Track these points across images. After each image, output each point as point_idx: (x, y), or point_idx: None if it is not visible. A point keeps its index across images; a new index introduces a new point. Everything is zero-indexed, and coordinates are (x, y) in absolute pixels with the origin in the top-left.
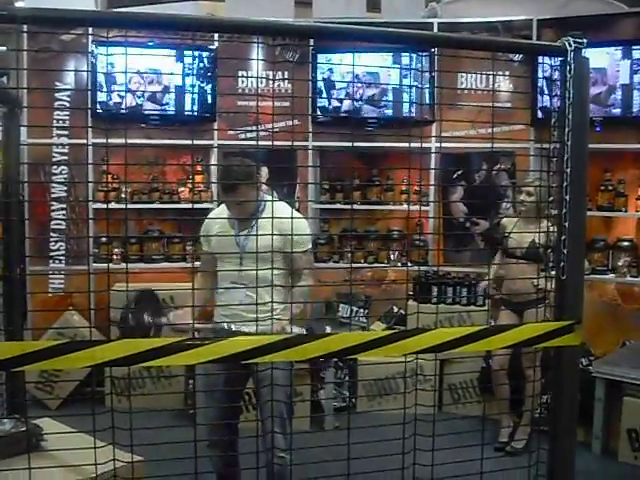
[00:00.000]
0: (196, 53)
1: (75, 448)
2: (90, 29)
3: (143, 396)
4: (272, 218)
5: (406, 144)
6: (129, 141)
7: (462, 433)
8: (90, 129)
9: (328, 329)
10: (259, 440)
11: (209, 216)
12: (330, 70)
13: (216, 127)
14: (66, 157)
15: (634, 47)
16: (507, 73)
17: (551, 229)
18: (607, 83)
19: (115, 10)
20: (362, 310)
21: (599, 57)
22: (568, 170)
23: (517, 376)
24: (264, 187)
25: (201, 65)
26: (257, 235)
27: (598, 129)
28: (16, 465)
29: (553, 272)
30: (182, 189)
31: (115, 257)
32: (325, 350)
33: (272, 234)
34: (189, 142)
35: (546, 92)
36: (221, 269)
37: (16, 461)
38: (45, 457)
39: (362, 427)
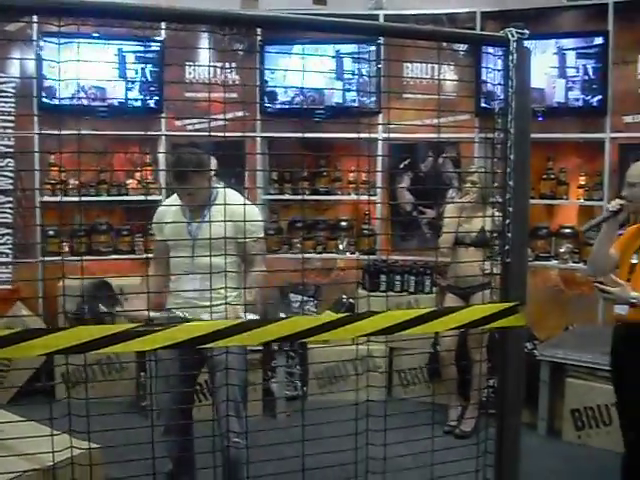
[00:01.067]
0: (143, 43)
1: (30, 436)
2: (35, 18)
3: (94, 389)
4: (224, 205)
5: (353, 134)
6: (75, 132)
7: (412, 414)
8: (36, 122)
9: (282, 315)
10: (214, 425)
11: (162, 204)
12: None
13: (164, 117)
14: (12, 149)
15: (573, 39)
16: (452, 63)
17: (496, 215)
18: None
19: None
20: (312, 299)
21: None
22: (511, 156)
23: (464, 360)
24: (214, 177)
25: (148, 55)
26: (210, 222)
27: (540, 119)
28: None
29: (499, 258)
30: (130, 181)
31: (63, 250)
32: (280, 334)
33: (224, 220)
34: (137, 133)
35: (490, 82)
36: (174, 256)
37: None
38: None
39: (315, 409)
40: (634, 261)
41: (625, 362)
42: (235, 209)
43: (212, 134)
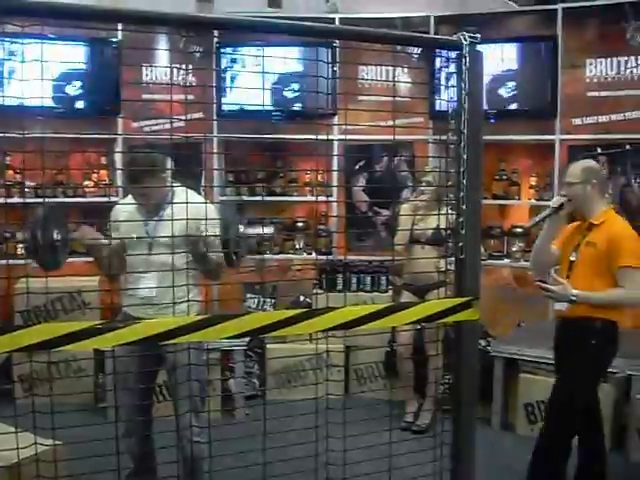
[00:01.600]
0: (100, 45)
1: None
2: None
3: (51, 391)
4: (181, 203)
5: (309, 136)
6: (31, 135)
7: (370, 409)
8: None
9: None
10: (176, 423)
11: (118, 202)
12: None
13: (120, 120)
14: None
15: (524, 43)
16: (406, 66)
17: (450, 213)
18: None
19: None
20: (270, 299)
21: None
22: (465, 156)
23: (421, 357)
24: (170, 180)
25: (105, 57)
26: (164, 220)
27: (492, 121)
28: None
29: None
30: (87, 182)
31: (19, 253)
32: (241, 329)
33: (180, 219)
34: (93, 135)
35: (443, 84)
36: (130, 254)
37: None
38: None
39: (274, 403)
40: (572, 258)
41: (564, 356)
42: (192, 208)
43: (166, 136)
